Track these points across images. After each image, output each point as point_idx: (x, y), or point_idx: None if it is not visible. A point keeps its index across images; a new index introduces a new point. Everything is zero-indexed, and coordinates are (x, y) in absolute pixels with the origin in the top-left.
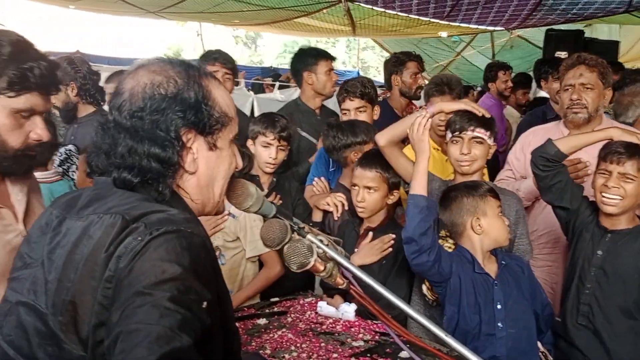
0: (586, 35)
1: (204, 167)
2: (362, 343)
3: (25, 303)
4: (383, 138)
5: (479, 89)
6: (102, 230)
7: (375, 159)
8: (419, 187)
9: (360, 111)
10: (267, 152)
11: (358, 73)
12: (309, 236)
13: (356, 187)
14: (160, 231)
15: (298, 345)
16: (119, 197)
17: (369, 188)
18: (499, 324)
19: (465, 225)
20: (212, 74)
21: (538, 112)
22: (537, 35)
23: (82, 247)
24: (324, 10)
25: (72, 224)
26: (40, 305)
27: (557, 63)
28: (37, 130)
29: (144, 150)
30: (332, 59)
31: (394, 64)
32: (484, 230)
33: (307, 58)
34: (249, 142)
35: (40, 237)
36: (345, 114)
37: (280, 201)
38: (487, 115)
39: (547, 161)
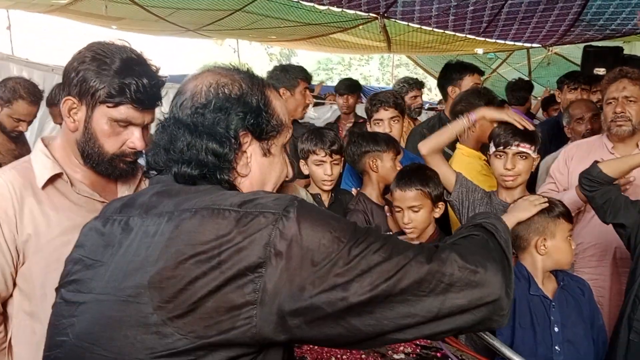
0: (625, 51)
1: (257, 172)
2: (402, 356)
3: (106, 300)
4: (426, 147)
5: None
6: (204, 224)
7: (412, 176)
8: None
9: (395, 121)
10: (322, 170)
11: None
12: None
13: (400, 209)
14: (293, 210)
15: (338, 356)
16: (202, 192)
17: (413, 208)
18: (557, 348)
19: (529, 242)
20: (273, 84)
21: (552, 122)
22: (574, 52)
23: (180, 242)
24: (360, 27)
25: (150, 222)
26: (136, 298)
27: (575, 75)
28: (133, 139)
29: (202, 145)
30: (480, 73)
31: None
32: (548, 251)
33: (452, 73)
34: (302, 163)
35: (98, 240)
36: (377, 124)
37: None
38: (531, 128)
39: (591, 182)
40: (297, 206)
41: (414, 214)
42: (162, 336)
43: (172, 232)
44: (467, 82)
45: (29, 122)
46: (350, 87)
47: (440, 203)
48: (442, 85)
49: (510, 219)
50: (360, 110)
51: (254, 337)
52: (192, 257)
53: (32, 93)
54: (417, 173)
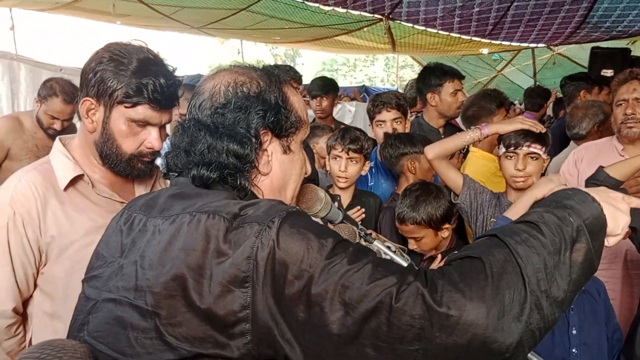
0: (632, 53)
1: (278, 170)
2: None
3: (115, 300)
4: (432, 152)
5: (516, 102)
6: (199, 229)
7: (406, 209)
8: (514, 214)
9: (397, 122)
10: (337, 165)
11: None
12: (376, 242)
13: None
14: (277, 220)
15: None
16: (210, 196)
17: (415, 238)
18: (574, 350)
19: None
20: (289, 81)
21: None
22: (579, 53)
23: (176, 246)
24: (365, 29)
25: (159, 223)
26: (137, 301)
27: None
28: (151, 139)
29: (223, 147)
30: (460, 77)
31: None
32: None
33: (431, 79)
34: (327, 159)
35: (119, 237)
36: (380, 125)
37: (363, 215)
38: (543, 131)
39: (598, 187)
40: (283, 217)
41: (418, 242)
42: (160, 342)
43: (172, 235)
44: (447, 88)
45: (63, 122)
46: (323, 87)
47: (446, 225)
48: (421, 90)
49: (528, 198)
50: (361, 116)
51: (250, 353)
52: (186, 268)
53: (66, 92)
54: (414, 205)
